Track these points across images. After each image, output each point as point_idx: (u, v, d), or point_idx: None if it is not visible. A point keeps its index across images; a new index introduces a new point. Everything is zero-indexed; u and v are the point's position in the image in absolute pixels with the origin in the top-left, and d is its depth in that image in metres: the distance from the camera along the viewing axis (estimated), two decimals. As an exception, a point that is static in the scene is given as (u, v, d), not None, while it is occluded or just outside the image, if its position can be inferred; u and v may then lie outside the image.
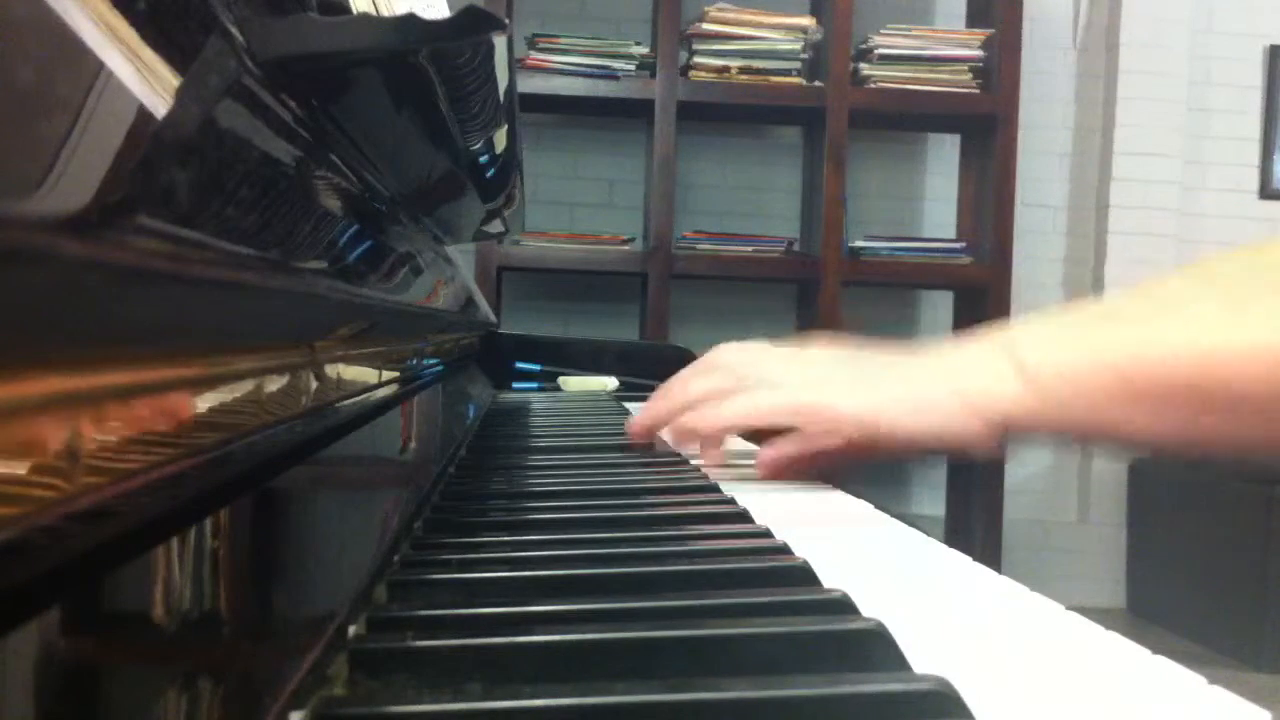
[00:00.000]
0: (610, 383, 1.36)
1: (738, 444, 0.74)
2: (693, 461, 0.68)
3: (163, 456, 0.20)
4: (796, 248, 2.83)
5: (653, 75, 2.66)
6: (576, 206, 3.01)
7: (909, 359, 0.62)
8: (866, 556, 0.46)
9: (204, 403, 0.22)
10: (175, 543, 0.21)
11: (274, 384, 0.28)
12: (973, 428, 0.56)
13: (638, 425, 0.72)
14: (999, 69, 2.70)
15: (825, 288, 2.68)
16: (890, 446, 0.60)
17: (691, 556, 0.42)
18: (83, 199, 0.16)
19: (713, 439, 0.68)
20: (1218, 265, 0.55)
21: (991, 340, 0.59)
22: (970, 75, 2.72)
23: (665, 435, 0.73)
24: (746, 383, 0.65)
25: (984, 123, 2.75)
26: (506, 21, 0.40)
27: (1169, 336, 0.51)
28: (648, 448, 0.73)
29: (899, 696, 0.25)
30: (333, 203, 0.39)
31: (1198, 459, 0.56)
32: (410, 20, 0.37)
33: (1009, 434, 0.57)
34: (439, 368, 0.74)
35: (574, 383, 1.36)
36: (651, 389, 1.42)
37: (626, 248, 2.75)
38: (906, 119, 2.89)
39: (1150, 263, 3.02)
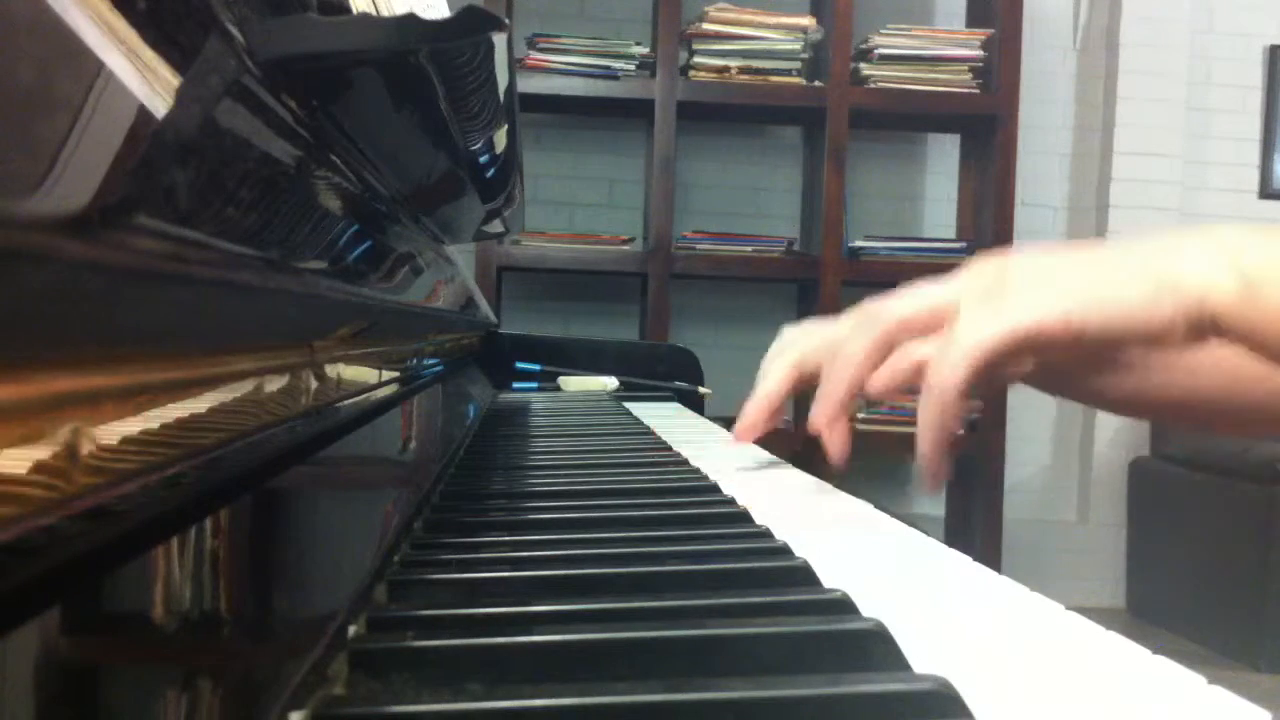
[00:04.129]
0: (610, 383, 1.36)
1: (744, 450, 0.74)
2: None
3: (163, 456, 0.20)
4: (796, 248, 2.83)
5: (653, 75, 2.66)
6: (576, 206, 3.01)
7: (1110, 251, 0.54)
8: (866, 556, 0.46)
9: (204, 403, 0.22)
10: (175, 543, 0.21)
11: (274, 384, 0.28)
12: (1178, 327, 0.50)
13: (822, 414, 0.58)
14: (999, 69, 2.70)
15: (825, 288, 2.68)
16: (1097, 347, 0.52)
17: (692, 557, 0.42)
18: (83, 199, 0.16)
19: (962, 383, 0.51)
20: None
21: (1199, 232, 0.53)
22: (970, 75, 2.72)
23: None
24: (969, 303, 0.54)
25: (984, 123, 2.75)
26: (506, 21, 0.40)
27: None
28: (655, 448, 0.73)
29: (899, 696, 0.25)
30: (333, 203, 0.39)
31: None
32: (410, 20, 0.37)
33: (1210, 335, 0.51)
34: (439, 368, 0.74)
35: (574, 383, 1.36)
36: (652, 389, 1.41)
37: (626, 248, 2.75)
38: (906, 119, 2.89)
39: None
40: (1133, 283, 0.51)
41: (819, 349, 0.65)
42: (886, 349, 0.58)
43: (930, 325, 0.57)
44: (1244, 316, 0.50)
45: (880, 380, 0.57)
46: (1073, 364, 0.59)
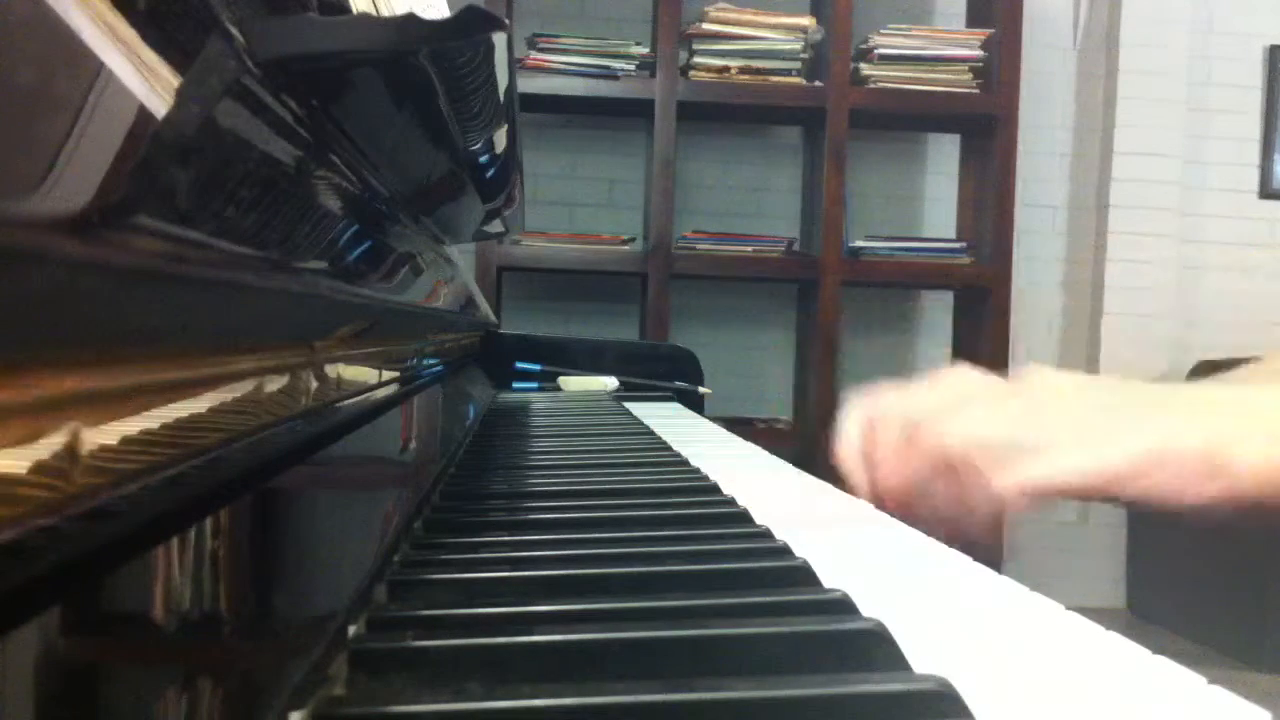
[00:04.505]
0: (610, 383, 1.36)
1: (739, 444, 0.74)
2: (699, 462, 0.68)
3: (163, 456, 0.20)
4: (796, 248, 2.83)
5: (653, 75, 2.66)
6: (576, 206, 3.00)
7: (1153, 391, 0.50)
8: (867, 557, 0.46)
9: (204, 403, 0.22)
10: (175, 543, 0.21)
11: (274, 384, 0.28)
12: (1209, 487, 0.46)
13: (883, 490, 0.51)
14: (999, 69, 2.70)
15: (825, 288, 2.67)
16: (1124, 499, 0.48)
17: (691, 557, 0.42)
18: (83, 199, 0.16)
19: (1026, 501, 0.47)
20: None
21: (1222, 394, 0.50)
22: (970, 75, 2.72)
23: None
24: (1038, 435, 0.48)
25: (984, 123, 2.75)
26: (506, 21, 0.40)
27: None
28: (655, 448, 0.73)
29: (899, 696, 0.25)
30: (333, 203, 0.39)
31: None
32: (410, 20, 0.37)
33: (1245, 504, 0.46)
34: (439, 368, 0.74)
35: (574, 383, 1.36)
36: (652, 389, 1.41)
37: (626, 248, 2.75)
38: (906, 119, 2.89)
39: (1150, 263, 3.02)
40: (1187, 460, 0.46)
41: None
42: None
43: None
44: (1270, 467, 0.45)
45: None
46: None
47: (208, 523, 0.23)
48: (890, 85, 2.70)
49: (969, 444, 0.49)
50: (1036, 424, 0.49)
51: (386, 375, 0.48)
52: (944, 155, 3.05)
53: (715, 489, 0.57)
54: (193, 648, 0.22)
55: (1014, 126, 2.70)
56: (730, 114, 2.85)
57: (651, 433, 0.89)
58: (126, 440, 0.18)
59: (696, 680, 0.26)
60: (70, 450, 0.16)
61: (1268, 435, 0.46)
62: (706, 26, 2.68)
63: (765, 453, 0.81)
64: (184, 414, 0.21)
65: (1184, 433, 0.46)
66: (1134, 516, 3.03)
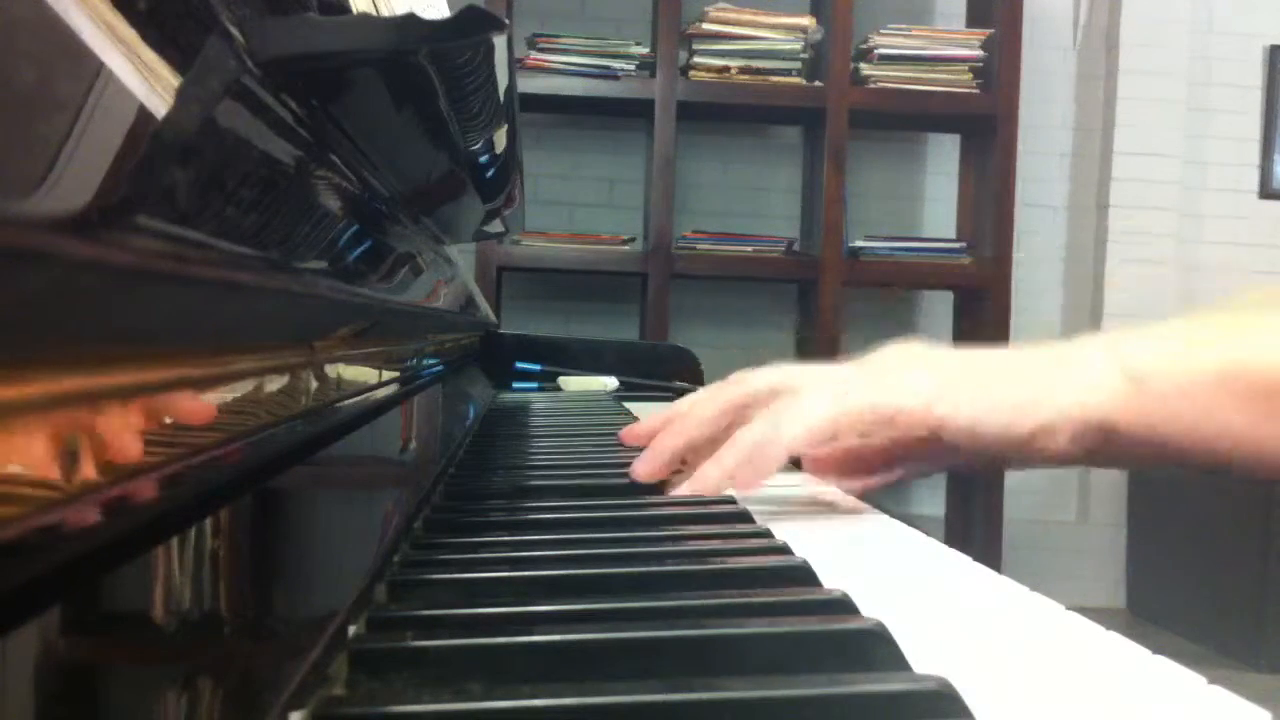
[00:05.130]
0: (610, 383, 1.36)
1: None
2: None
3: (163, 456, 0.20)
4: (796, 248, 2.83)
5: (653, 75, 2.66)
6: (576, 206, 3.01)
7: (995, 354, 0.55)
8: (866, 556, 0.46)
9: (204, 403, 0.22)
10: (175, 543, 0.21)
11: (274, 384, 0.28)
12: (1059, 432, 0.50)
13: (646, 466, 0.59)
14: (999, 69, 2.70)
15: (825, 288, 2.68)
16: (956, 445, 0.53)
17: (692, 556, 0.42)
18: (83, 199, 0.16)
19: (769, 466, 0.54)
20: None
21: (1082, 341, 0.53)
22: (970, 75, 2.72)
23: (700, 480, 0.57)
24: (790, 393, 0.55)
25: (984, 123, 2.75)
26: (506, 21, 0.40)
27: None
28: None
29: (899, 696, 0.25)
30: (333, 203, 0.39)
31: None
32: (410, 20, 0.37)
33: (1103, 444, 0.50)
34: (439, 368, 0.74)
35: (574, 383, 1.36)
36: (652, 389, 1.41)
37: (626, 248, 2.75)
38: (906, 119, 2.89)
39: (1150, 262, 3.02)
40: (1007, 384, 0.51)
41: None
42: (732, 416, 0.59)
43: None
44: (1140, 418, 0.49)
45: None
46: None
47: (208, 523, 0.23)
48: (890, 85, 2.70)
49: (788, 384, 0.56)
50: (875, 368, 0.55)
51: (386, 375, 0.48)
52: (944, 155, 3.05)
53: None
54: (193, 648, 0.22)
55: (1014, 126, 2.70)
56: (730, 114, 2.85)
57: (651, 433, 0.89)
58: (127, 440, 0.18)
59: (696, 680, 0.26)
60: (70, 450, 0.16)
61: (928, 386, 0.52)
62: (706, 26, 2.68)
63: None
64: (184, 414, 0.21)
65: (859, 389, 0.53)
66: (1134, 516, 3.03)
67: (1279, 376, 0.47)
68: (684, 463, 0.60)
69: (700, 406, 0.60)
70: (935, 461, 0.61)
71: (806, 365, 0.59)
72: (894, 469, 0.61)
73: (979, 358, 0.55)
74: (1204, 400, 0.48)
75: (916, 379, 0.53)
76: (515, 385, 1.37)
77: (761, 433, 0.54)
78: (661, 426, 0.61)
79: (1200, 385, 0.48)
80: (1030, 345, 0.55)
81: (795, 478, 0.69)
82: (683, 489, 0.56)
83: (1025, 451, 0.51)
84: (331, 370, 0.35)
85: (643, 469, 0.59)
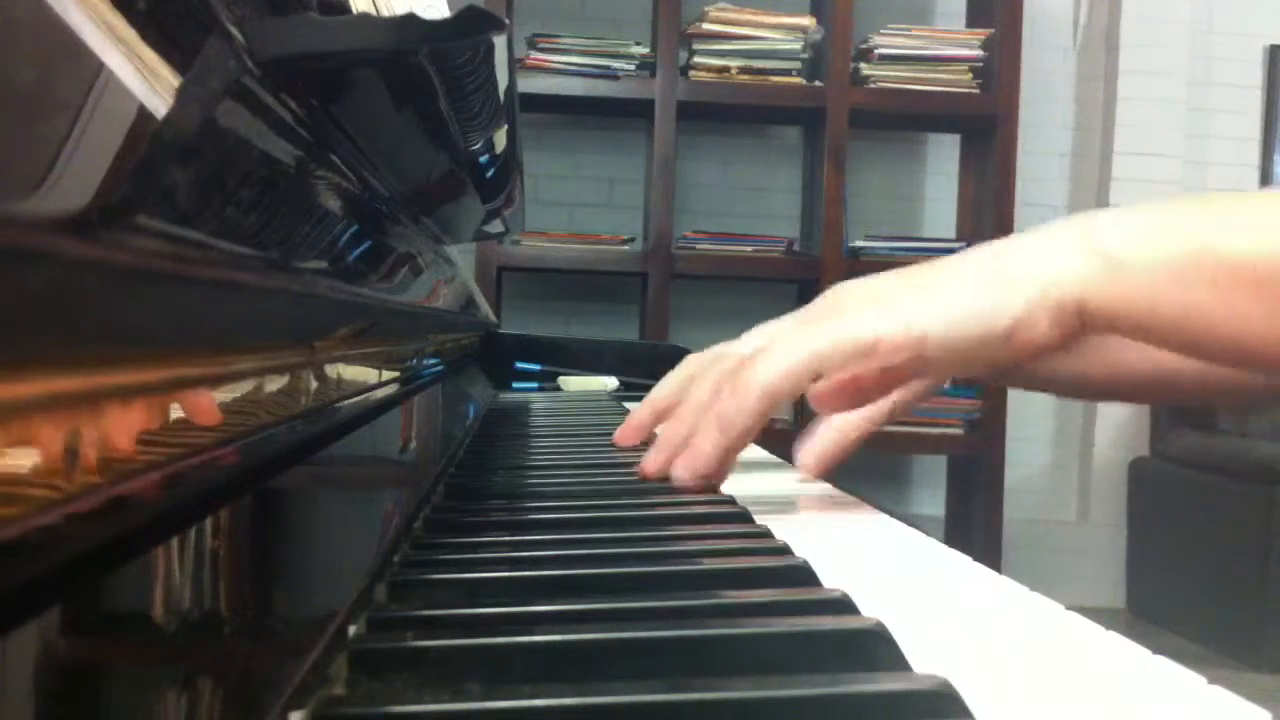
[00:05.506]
0: (610, 383, 1.36)
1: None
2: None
3: (163, 456, 0.20)
4: (796, 248, 2.83)
5: (653, 75, 2.66)
6: (576, 206, 3.01)
7: (957, 257, 0.54)
8: (867, 556, 0.46)
9: (204, 402, 0.22)
10: (175, 543, 0.21)
11: (274, 384, 0.28)
12: (1039, 321, 0.49)
13: (629, 429, 0.62)
14: (999, 69, 2.70)
15: (825, 288, 2.67)
16: (941, 360, 0.51)
17: (692, 556, 0.42)
18: (83, 199, 0.16)
19: (748, 427, 0.53)
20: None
21: (1053, 226, 0.51)
22: (970, 75, 2.72)
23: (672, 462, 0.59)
24: (744, 372, 0.54)
25: (984, 123, 2.75)
26: (506, 21, 0.40)
27: (1270, 226, 0.47)
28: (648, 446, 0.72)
29: (899, 696, 0.25)
30: (333, 203, 0.39)
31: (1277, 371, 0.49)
32: (410, 20, 0.37)
33: (1081, 326, 0.49)
34: (439, 368, 0.74)
35: (574, 383, 1.36)
36: (652, 389, 1.41)
37: (626, 248, 2.75)
38: (906, 119, 2.89)
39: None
40: (975, 286, 0.50)
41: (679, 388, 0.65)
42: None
43: None
44: (1112, 295, 0.48)
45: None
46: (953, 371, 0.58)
47: (208, 523, 0.23)
48: (890, 85, 2.70)
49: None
50: (834, 306, 0.56)
51: (386, 375, 0.48)
52: (944, 155, 3.05)
53: (713, 488, 0.57)
54: (193, 648, 0.22)
55: (1014, 126, 2.70)
56: (730, 114, 2.85)
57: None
58: (126, 440, 0.18)
59: (696, 680, 0.26)
60: (70, 450, 0.16)
61: (896, 309, 0.51)
62: (706, 26, 2.68)
63: (764, 451, 0.81)
64: (184, 414, 0.21)
65: (828, 328, 0.52)
66: (1134, 516, 3.03)
67: (1249, 258, 0.46)
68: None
69: (668, 376, 0.62)
70: (925, 386, 0.61)
71: (771, 323, 0.60)
72: (890, 401, 0.61)
73: (939, 268, 0.54)
74: (1176, 279, 0.47)
75: (887, 303, 0.52)
76: (515, 385, 1.37)
77: (735, 370, 0.54)
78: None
79: (1172, 265, 0.47)
80: (993, 243, 0.54)
81: (795, 476, 0.69)
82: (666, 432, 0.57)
83: (1009, 347, 0.49)
84: (331, 370, 0.35)
85: (620, 437, 0.61)
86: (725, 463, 0.55)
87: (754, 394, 0.53)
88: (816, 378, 0.54)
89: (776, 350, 0.53)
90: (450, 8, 0.59)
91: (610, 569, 0.37)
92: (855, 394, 0.58)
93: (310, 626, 0.28)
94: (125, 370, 0.18)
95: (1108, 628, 0.33)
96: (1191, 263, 0.47)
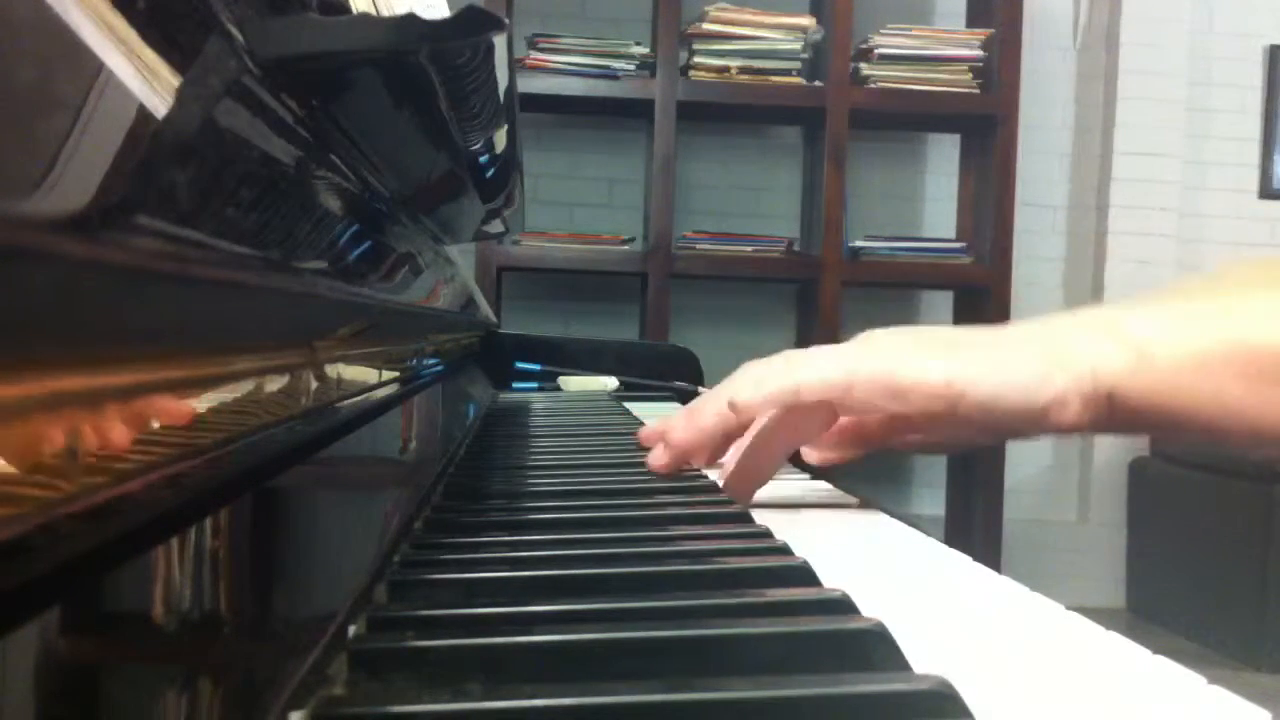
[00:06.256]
0: (610, 383, 1.36)
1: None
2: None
3: (163, 456, 0.20)
4: (796, 248, 2.83)
5: (653, 75, 2.66)
6: (576, 206, 3.00)
7: (992, 328, 0.55)
8: (866, 556, 0.46)
9: (204, 403, 0.22)
10: (175, 543, 0.21)
11: (274, 384, 0.28)
12: (1071, 403, 0.50)
13: (668, 456, 0.60)
14: (999, 69, 2.70)
15: (825, 288, 2.67)
16: (969, 419, 0.52)
17: (692, 556, 0.42)
18: (83, 199, 0.16)
19: (780, 393, 0.55)
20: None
21: (1084, 314, 0.53)
22: (970, 75, 2.72)
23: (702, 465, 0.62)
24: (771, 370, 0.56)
25: (984, 123, 2.75)
26: (506, 21, 0.40)
27: None
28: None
29: (899, 696, 0.25)
30: (333, 203, 0.39)
31: None
32: (410, 20, 0.37)
33: (1108, 414, 0.51)
34: (439, 368, 0.74)
35: (574, 383, 1.36)
36: (652, 389, 1.41)
37: (626, 248, 2.75)
38: (906, 119, 2.89)
39: (1150, 263, 3.02)
40: (1022, 358, 0.51)
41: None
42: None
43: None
44: (1142, 387, 0.49)
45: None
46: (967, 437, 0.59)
47: (208, 523, 0.23)
48: (890, 85, 2.70)
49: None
50: (796, 358, 0.56)
51: (386, 375, 0.48)
52: (944, 155, 3.05)
53: (713, 488, 0.57)
54: (193, 648, 0.22)
55: (1014, 126, 2.70)
56: (730, 114, 2.85)
57: (651, 433, 0.89)
58: (126, 440, 0.18)
59: (696, 680, 0.26)
60: (70, 450, 0.16)
61: (945, 359, 0.52)
62: (706, 26, 2.68)
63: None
64: (184, 414, 0.21)
65: (870, 359, 0.53)
66: (1134, 516, 3.03)
67: (1277, 353, 0.48)
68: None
69: (708, 402, 0.60)
70: (936, 436, 0.61)
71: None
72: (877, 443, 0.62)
73: (985, 333, 0.55)
74: (1205, 374, 0.49)
75: (932, 353, 0.53)
76: (515, 385, 1.37)
77: (774, 367, 0.56)
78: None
79: (1202, 360, 0.49)
80: (1028, 320, 0.55)
81: (795, 476, 0.69)
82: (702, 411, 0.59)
83: (1039, 423, 0.51)
84: (331, 370, 0.35)
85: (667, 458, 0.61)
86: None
87: (785, 390, 0.54)
88: (834, 416, 0.56)
89: (818, 360, 0.54)
90: (450, 8, 0.59)
91: (610, 569, 0.37)
92: (854, 441, 0.60)
93: (310, 626, 0.28)
94: (125, 370, 0.18)
95: (1108, 628, 0.33)
96: (1223, 361, 0.48)
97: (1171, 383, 0.49)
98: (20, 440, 0.15)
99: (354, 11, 0.40)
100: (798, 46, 2.70)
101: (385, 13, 0.45)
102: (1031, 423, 0.51)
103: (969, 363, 0.51)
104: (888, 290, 3.02)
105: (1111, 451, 3.06)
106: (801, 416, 0.56)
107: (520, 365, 1.37)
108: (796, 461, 0.73)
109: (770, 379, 0.55)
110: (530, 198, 2.77)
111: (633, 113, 2.82)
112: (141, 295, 0.19)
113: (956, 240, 2.86)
